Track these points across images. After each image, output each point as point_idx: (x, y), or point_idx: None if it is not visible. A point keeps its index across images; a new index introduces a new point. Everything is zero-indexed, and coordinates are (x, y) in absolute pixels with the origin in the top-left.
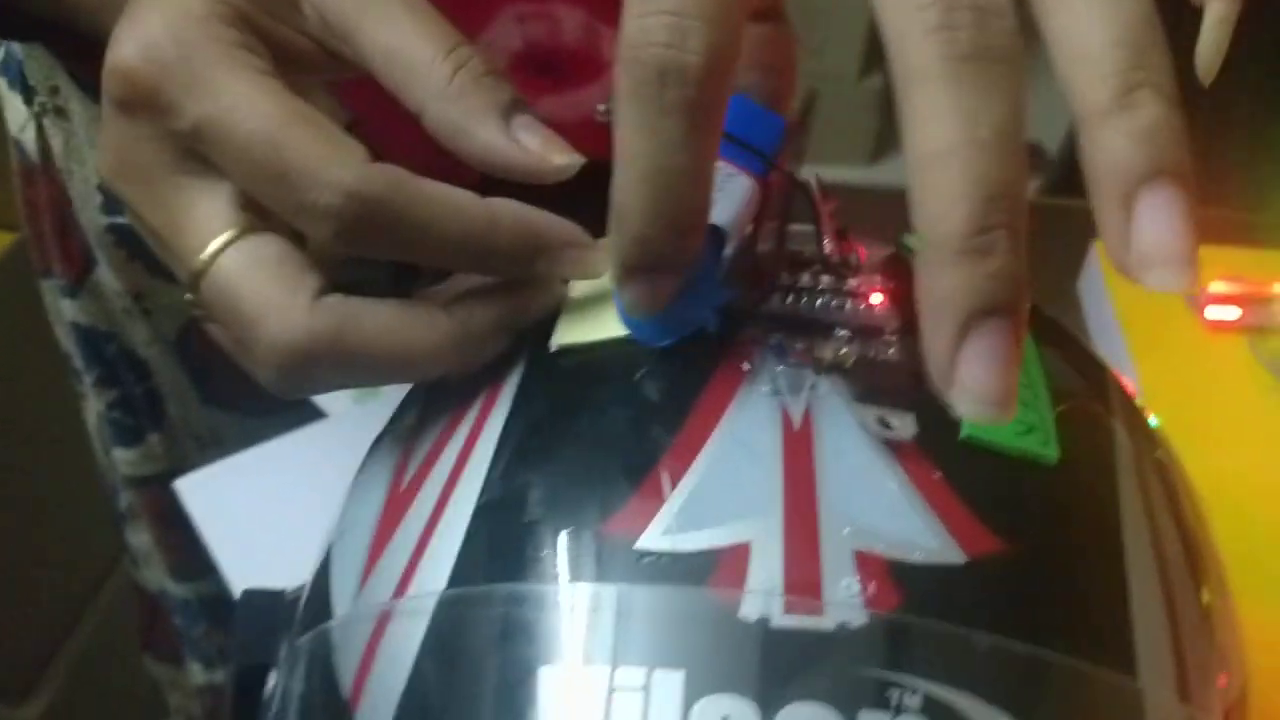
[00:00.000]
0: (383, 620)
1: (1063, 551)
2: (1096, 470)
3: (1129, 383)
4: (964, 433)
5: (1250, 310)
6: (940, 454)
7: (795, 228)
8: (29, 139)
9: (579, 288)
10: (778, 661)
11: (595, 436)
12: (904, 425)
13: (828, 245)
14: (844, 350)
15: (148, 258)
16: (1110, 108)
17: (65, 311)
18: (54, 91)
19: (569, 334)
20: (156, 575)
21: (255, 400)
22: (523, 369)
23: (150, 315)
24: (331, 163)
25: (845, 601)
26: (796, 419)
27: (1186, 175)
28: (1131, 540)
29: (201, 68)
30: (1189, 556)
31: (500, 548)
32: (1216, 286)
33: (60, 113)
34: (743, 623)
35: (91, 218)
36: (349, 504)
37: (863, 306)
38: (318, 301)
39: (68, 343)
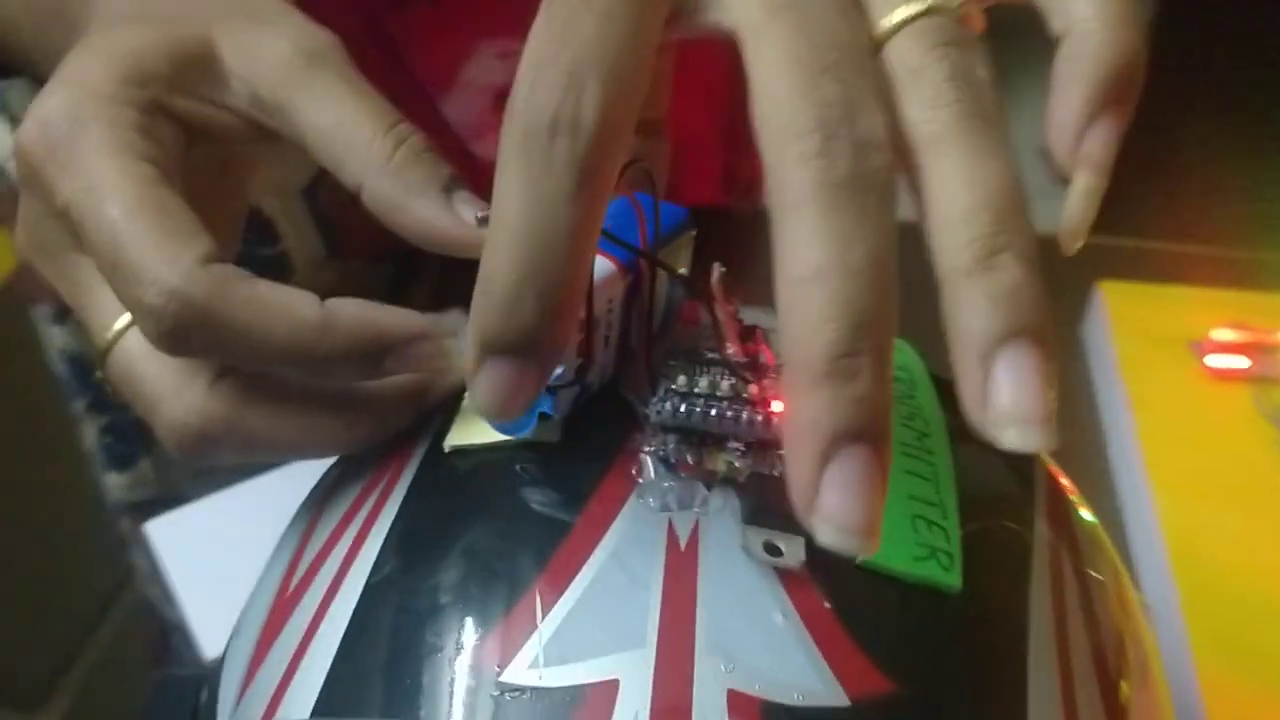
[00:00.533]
0: None
1: (957, 694)
2: (1003, 596)
3: (1064, 480)
4: (859, 558)
5: (1256, 359)
6: (831, 582)
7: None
8: (14, 167)
9: None
10: None
11: (472, 554)
12: (793, 550)
13: (730, 347)
14: (737, 464)
15: None
16: (972, 269)
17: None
18: None
19: (462, 434)
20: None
21: None
22: (415, 469)
23: None
24: (161, 259)
25: None
26: (683, 538)
27: (1046, 338)
28: (1036, 669)
29: (81, 149)
30: (1106, 659)
31: (364, 676)
32: (1219, 334)
33: None
34: None
35: None
36: (251, 594)
37: (760, 416)
38: (213, 386)
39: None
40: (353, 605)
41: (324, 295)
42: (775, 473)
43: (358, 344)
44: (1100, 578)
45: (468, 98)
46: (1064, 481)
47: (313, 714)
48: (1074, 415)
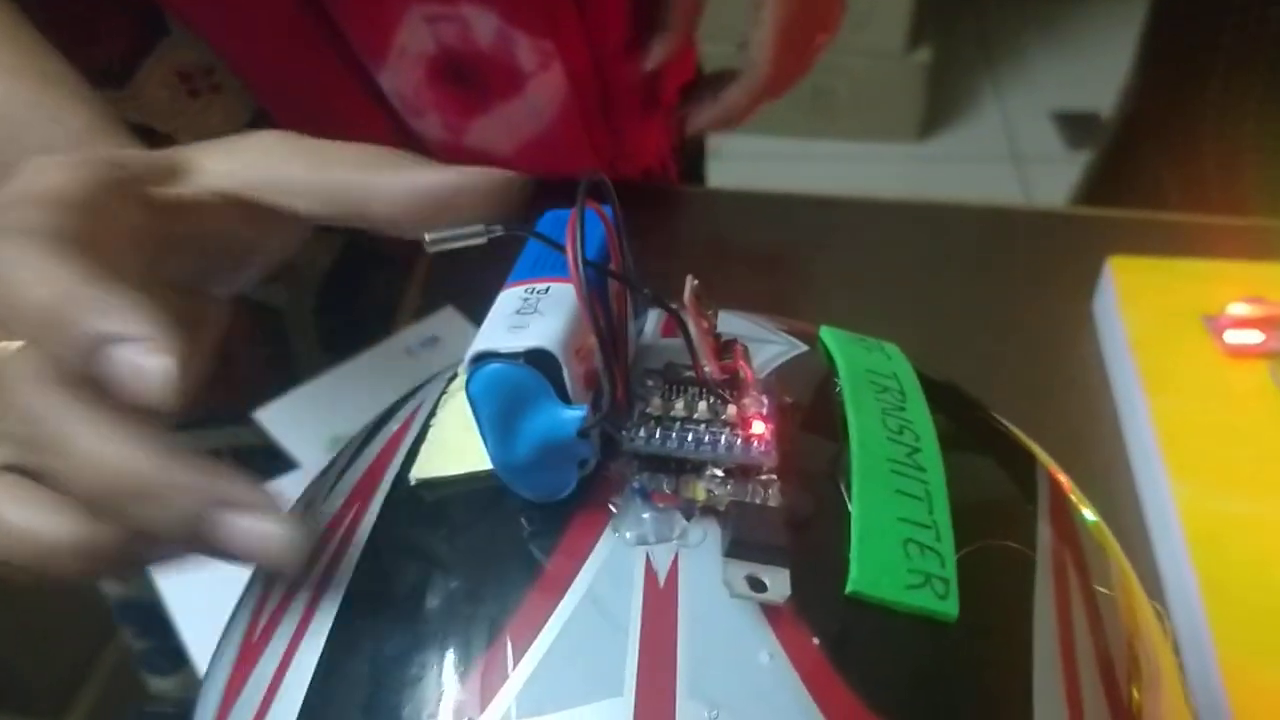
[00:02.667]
0: None
1: None
2: (1005, 622)
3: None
4: (849, 588)
5: (1273, 334)
6: (820, 617)
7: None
8: None
9: (445, 416)
10: None
11: (440, 597)
12: (778, 584)
13: (706, 366)
14: (716, 492)
15: None
16: None
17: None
18: None
19: (429, 465)
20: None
21: None
22: (380, 505)
23: None
24: None
25: None
26: (662, 574)
27: None
28: (1042, 698)
29: None
30: (1115, 675)
31: None
32: (1236, 308)
33: None
34: None
35: None
36: (222, 635)
37: (740, 440)
38: None
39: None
40: (318, 653)
41: None
42: (758, 500)
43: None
44: (1108, 591)
45: (403, 68)
46: (1062, 479)
47: None
48: (1088, 396)
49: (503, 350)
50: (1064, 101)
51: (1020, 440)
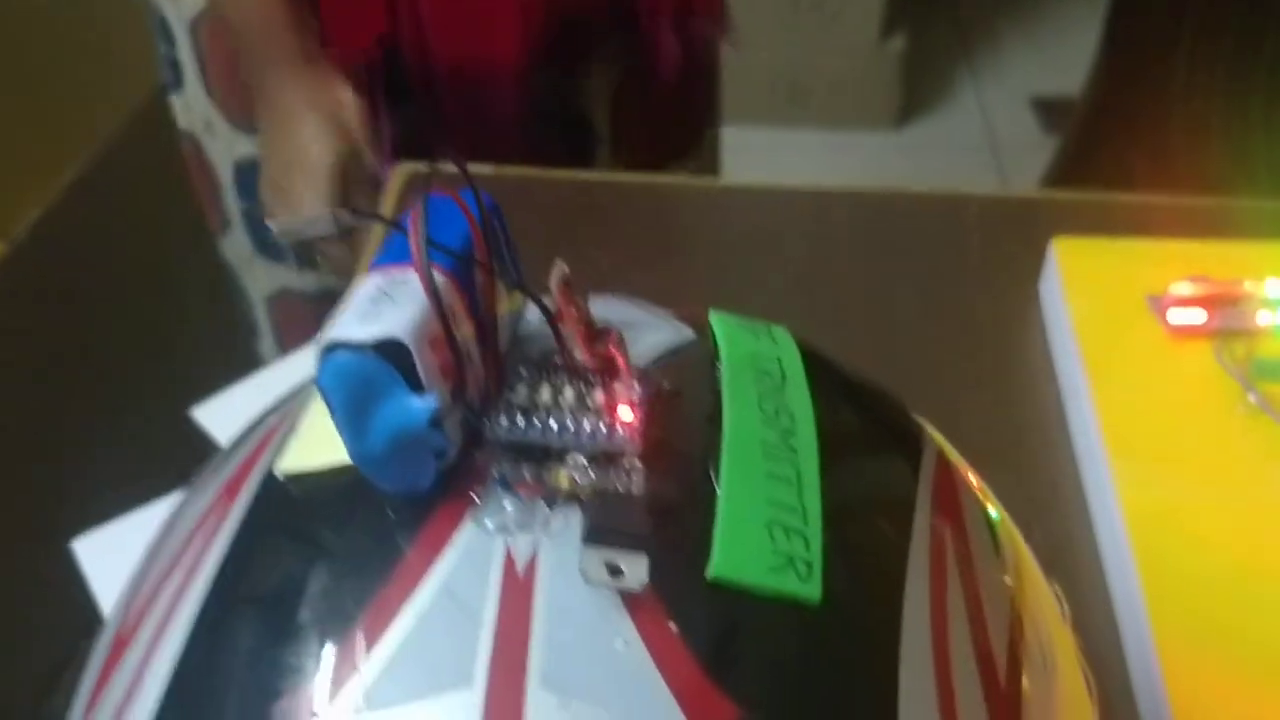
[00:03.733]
0: None
1: (809, 715)
2: (872, 605)
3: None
4: (710, 573)
5: (1217, 313)
6: (679, 603)
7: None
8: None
9: (315, 407)
10: None
11: (298, 590)
12: (635, 571)
13: (576, 352)
14: (580, 480)
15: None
16: None
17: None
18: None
19: (296, 458)
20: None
21: None
22: (249, 498)
23: None
24: None
25: None
26: (521, 563)
27: None
28: (909, 681)
29: None
30: (994, 662)
31: None
32: (1179, 288)
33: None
34: None
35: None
36: (105, 623)
37: (603, 427)
38: None
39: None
40: (179, 648)
41: None
42: (621, 487)
43: None
44: (996, 577)
45: None
46: (957, 467)
47: None
48: (1033, 379)
49: (352, 340)
50: (1041, 87)
51: (910, 426)
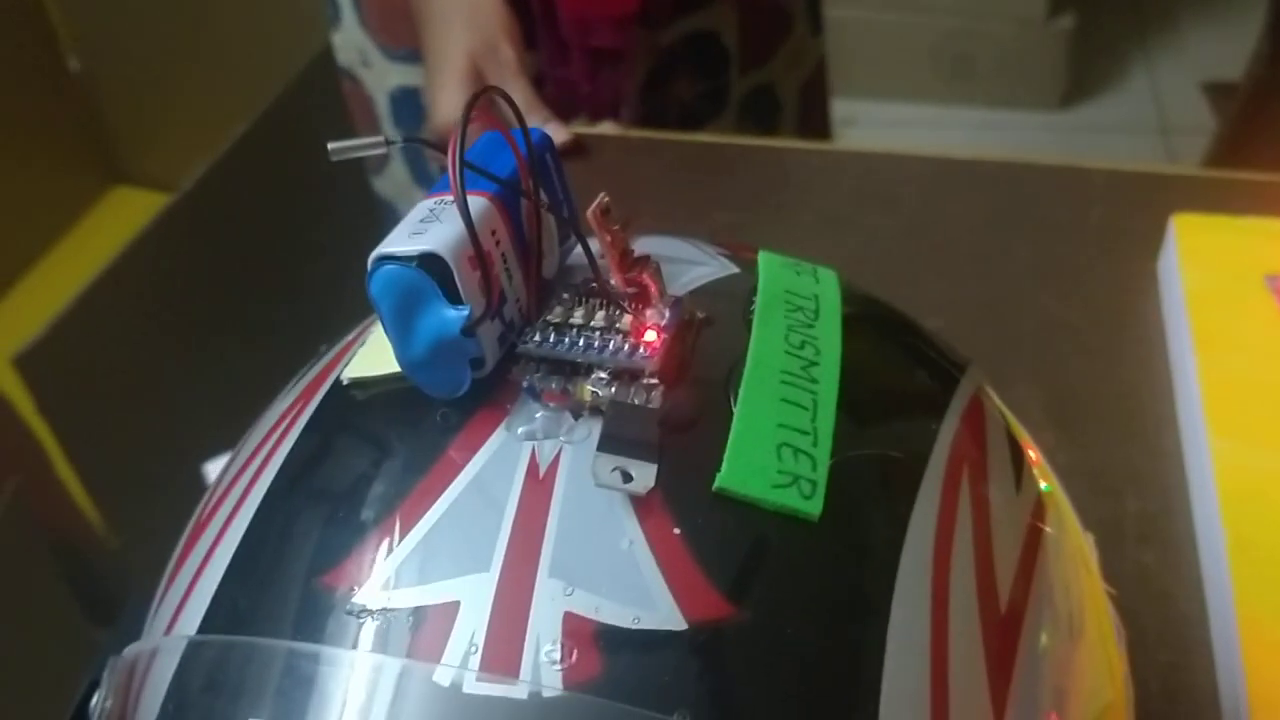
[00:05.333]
0: (153, 655)
1: (802, 620)
2: (872, 527)
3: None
4: (717, 483)
5: None
6: (684, 509)
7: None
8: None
9: (378, 326)
10: None
11: (349, 481)
12: (643, 476)
13: (611, 277)
14: (600, 393)
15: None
16: None
17: (391, 75)
18: (362, 51)
19: (360, 366)
20: None
21: None
22: (317, 402)
23: None
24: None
25: (543, 668)
26: (543, 466)
27: None
28: (902, 603)
29: None
30: (996, 601)
31: (241, 595)
32: None
33: (366, 64)
34: (437, 687)
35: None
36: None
37: (627, 346)
38: None
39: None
40: (246, 524)
41: None
42: (638, 401)
43: None
44: (1019, 523)
45: None
46: (995, 412)
47: (199, 630)
48: (1146, 353)
49: (398, 254)
50: (1216, 71)
51: (947, 372)
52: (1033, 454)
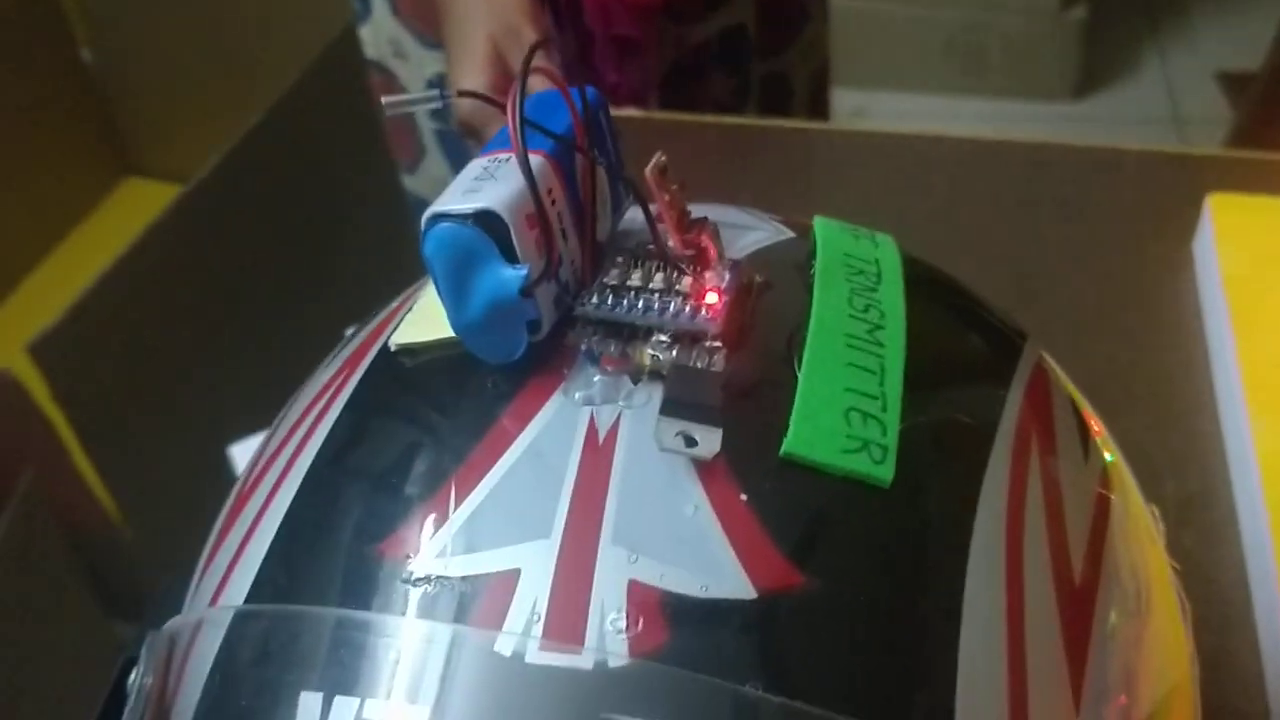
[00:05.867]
0: (198, 628)
1: (876, 590)
2: (945, 493)
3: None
4: (784, 449)
5: None
6: (751, 475)
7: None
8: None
9: (428, 288)
10: (531, 699)
11: (401, 448)
12: (709, 441)
13: (669, 237)
14: (661, 357)
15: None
16: None
17: (427, 64)
18: (395, 42)
19: (408, 333)
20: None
21: None
22: (365, 368)
23: None
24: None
25: (608, 637)
26: (603, 431)
27: None
28: (977, 576)
29: None
30: (1088, 584)
31: (288, 566)
32: None
33: (400, 55)
34: (498, 657)
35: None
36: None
37: (688, 309)
38: None
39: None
40: (291, 496)
41: None
42: (701, 365)
43: None
44: (1088, 486)
45: None
46: (1066, 391)
47: (247, 599)
48: (1181, 334)
49: (453, 211)
50: (1230, 62)
51: (1010, 337)
52: (1095, 425)
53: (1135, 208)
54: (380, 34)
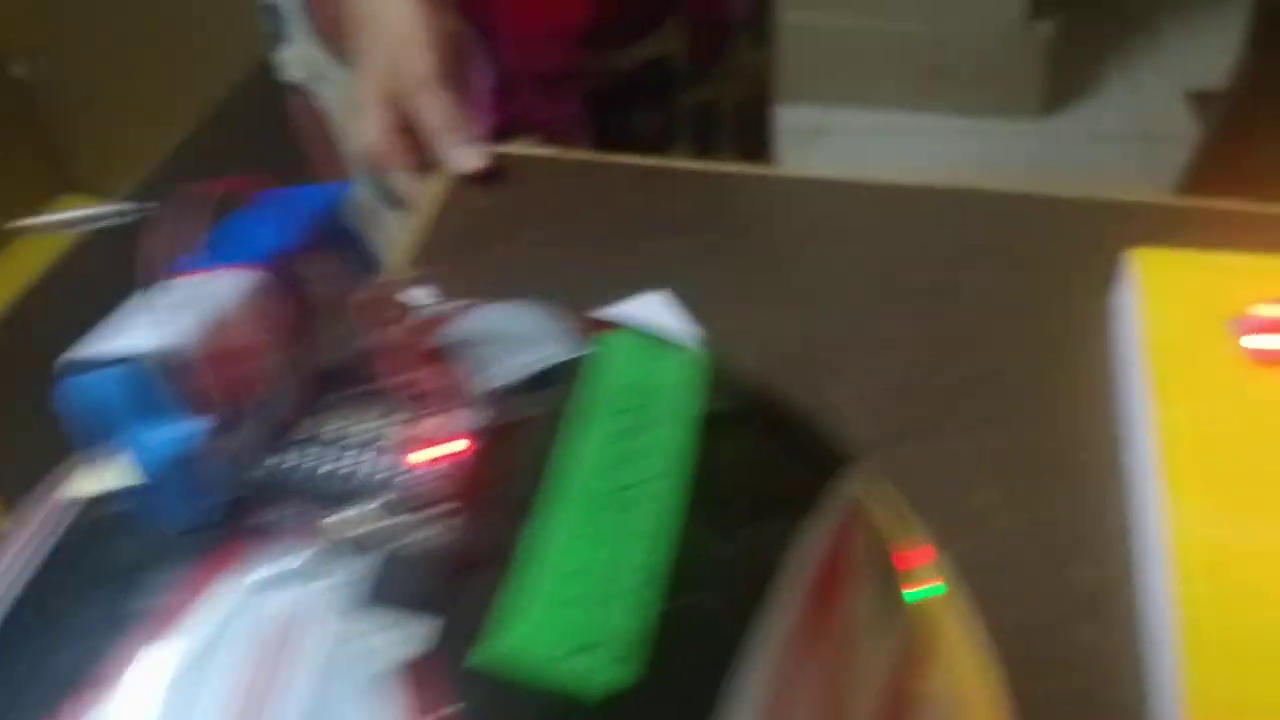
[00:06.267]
0: None
1: None
2: (696, 694)
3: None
4: (480, 656)
5: None
6: (464, 682)
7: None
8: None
9: None
10: None
11: (40, 643)
12: (410, 639)
13: (396, 375)
14: (365, 530)
15: None
16: None
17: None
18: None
19: (84, 483)
20: None
21: None
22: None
23: None
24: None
25: None
26: (278, 629)
27: None
28: None
29: None
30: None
31: None
32: (1265, 310)
33: (320, 76)
34: None
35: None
36: None
37: (399, 467)
38: None
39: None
40: None
41: None
42: (406, 539)
43: None
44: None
45: None
46: (882, 545)
47: None
48: (1093, 397)
49: (93, 358)
50: (1199, 79)
51: (818, 483)
52: (914, 559)
53: (1057, 258)
54: (301, 56)
